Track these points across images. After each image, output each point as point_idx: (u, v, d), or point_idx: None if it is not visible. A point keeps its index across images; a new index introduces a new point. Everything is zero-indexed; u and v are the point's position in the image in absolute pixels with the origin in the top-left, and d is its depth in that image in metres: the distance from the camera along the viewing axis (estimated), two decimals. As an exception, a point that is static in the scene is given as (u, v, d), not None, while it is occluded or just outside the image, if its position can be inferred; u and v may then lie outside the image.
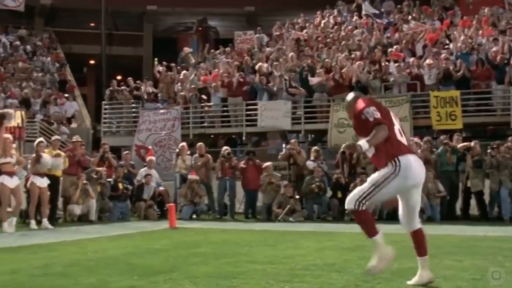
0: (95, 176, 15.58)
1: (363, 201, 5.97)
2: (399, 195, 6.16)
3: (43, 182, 13.73)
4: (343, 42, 21.85)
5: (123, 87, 22.09)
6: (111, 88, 22.55)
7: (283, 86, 19.80)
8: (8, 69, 29.56)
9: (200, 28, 39.81)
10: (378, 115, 5.86)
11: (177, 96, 21.29)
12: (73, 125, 25.79)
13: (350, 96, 6.34)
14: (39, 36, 35.82)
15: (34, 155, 13.96)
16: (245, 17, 37.89)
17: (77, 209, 15.05)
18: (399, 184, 5.93)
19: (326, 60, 20.16)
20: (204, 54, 25.19)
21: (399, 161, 5.89)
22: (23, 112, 23.16)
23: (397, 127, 6.09)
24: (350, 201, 6.07)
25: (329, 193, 15.78)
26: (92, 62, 39.68)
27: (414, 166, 5.95)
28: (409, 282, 6.17)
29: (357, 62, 19.45)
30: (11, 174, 13.08)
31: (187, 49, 25.94)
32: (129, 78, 23.11)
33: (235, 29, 36.96)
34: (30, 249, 9.82)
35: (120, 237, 12.02)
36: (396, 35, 22.09)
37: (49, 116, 24.82)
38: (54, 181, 14.21)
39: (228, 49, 24.51)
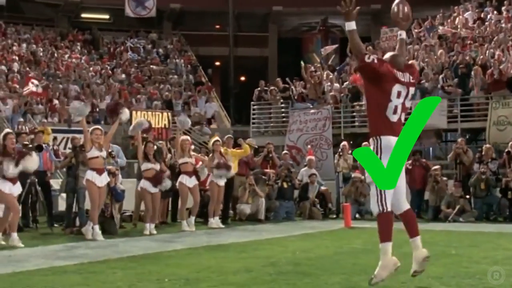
0: (264, 177, 15.82)
1: (383, 202, 5.98)
2: None
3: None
4: (496, 37, 21.20)
5: (272, 87, 22.27)
6: (259, 88, 22.80)
7: (438, 84, 19.42)
8: (144, 72, 30.56)
9: (322, 27, 39.72)
10: (375, 61, 5.94)
11: (325, 95, 21.29)
12: (213, 125, 26.37)
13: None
14: (168, 39, 36.85)
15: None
16: (370, 15, 37.41)
17: (247, 208, 15.28)
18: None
19: (481, 57, 19.60)
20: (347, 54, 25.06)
21: (380, 140, 5.93)
22: (169, 114, 23.99)
23: (394, 103, 5.96)
24: (373, 206, 6.10)
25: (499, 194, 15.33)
26: (217, 63, 40.41)
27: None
28: None
29: (518, 58, 18.84)
30: (190, 174, 13.41)
31: (328, 48, 25.87)
32: (278, 79, 23.33)
33: (360, 27, 36.79)
34: (235, 248, 9.98)
35: (307, 236, 12.08)
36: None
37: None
38: (229, 180, 14.23)
39: (370, 47, 24.19)
